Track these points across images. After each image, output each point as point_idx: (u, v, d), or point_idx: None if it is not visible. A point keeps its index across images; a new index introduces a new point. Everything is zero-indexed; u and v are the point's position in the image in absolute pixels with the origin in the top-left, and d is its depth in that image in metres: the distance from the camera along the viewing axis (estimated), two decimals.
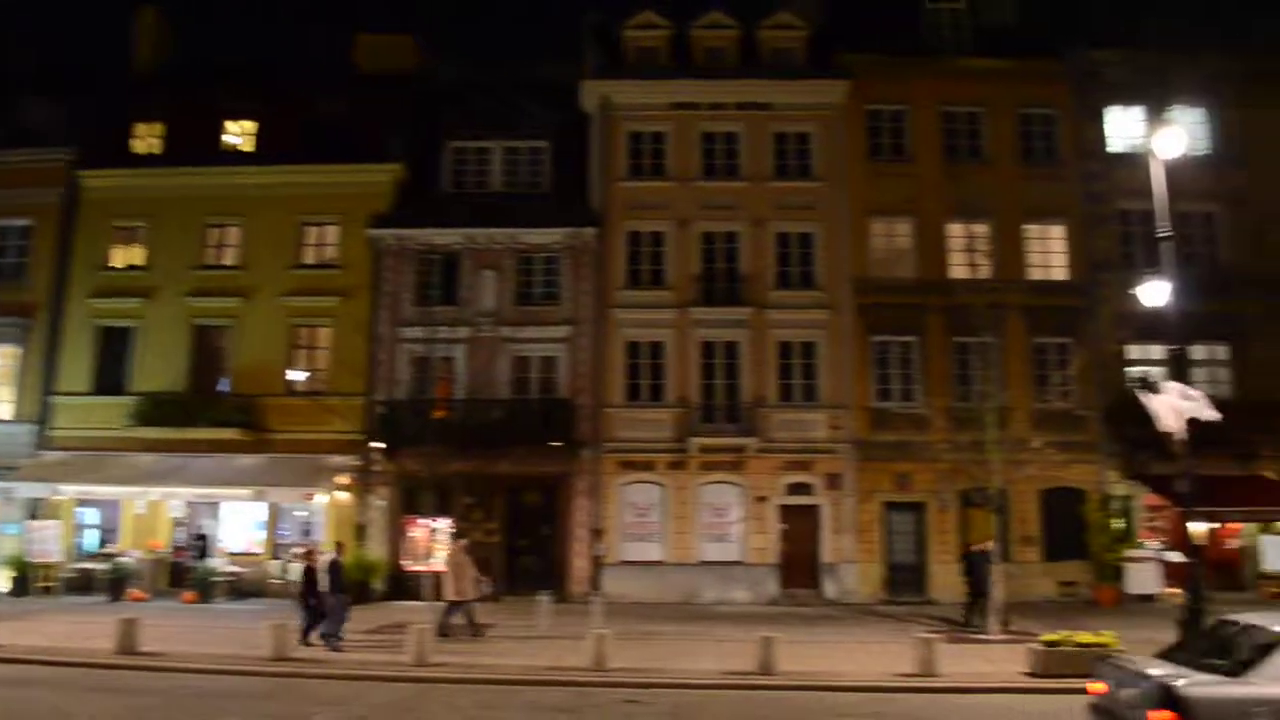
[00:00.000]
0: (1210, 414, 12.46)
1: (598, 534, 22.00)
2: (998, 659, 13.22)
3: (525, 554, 22.24)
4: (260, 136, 24.23)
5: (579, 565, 21.94)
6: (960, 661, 12.76)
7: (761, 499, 22.16)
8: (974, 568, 16.96)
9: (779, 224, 22.88)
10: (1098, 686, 8.03)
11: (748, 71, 23.45)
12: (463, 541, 16.27)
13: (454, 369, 21.94)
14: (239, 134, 24.50)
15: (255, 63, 25.89)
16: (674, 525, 22.04)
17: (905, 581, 22.07)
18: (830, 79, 23.17)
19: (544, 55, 27.47)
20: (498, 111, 23.78)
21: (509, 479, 21.18)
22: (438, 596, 15.88)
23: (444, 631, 14.87)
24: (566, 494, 22.22)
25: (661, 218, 22.91)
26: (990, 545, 17.26)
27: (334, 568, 14.40)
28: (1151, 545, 21.73)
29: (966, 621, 16.57)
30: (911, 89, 23.23)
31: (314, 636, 13.98)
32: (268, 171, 23.29)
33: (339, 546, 15.63)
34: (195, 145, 23.84)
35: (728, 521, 22.31)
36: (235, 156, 24.20)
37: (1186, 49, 22.64)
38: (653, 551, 22.12)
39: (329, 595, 14.08)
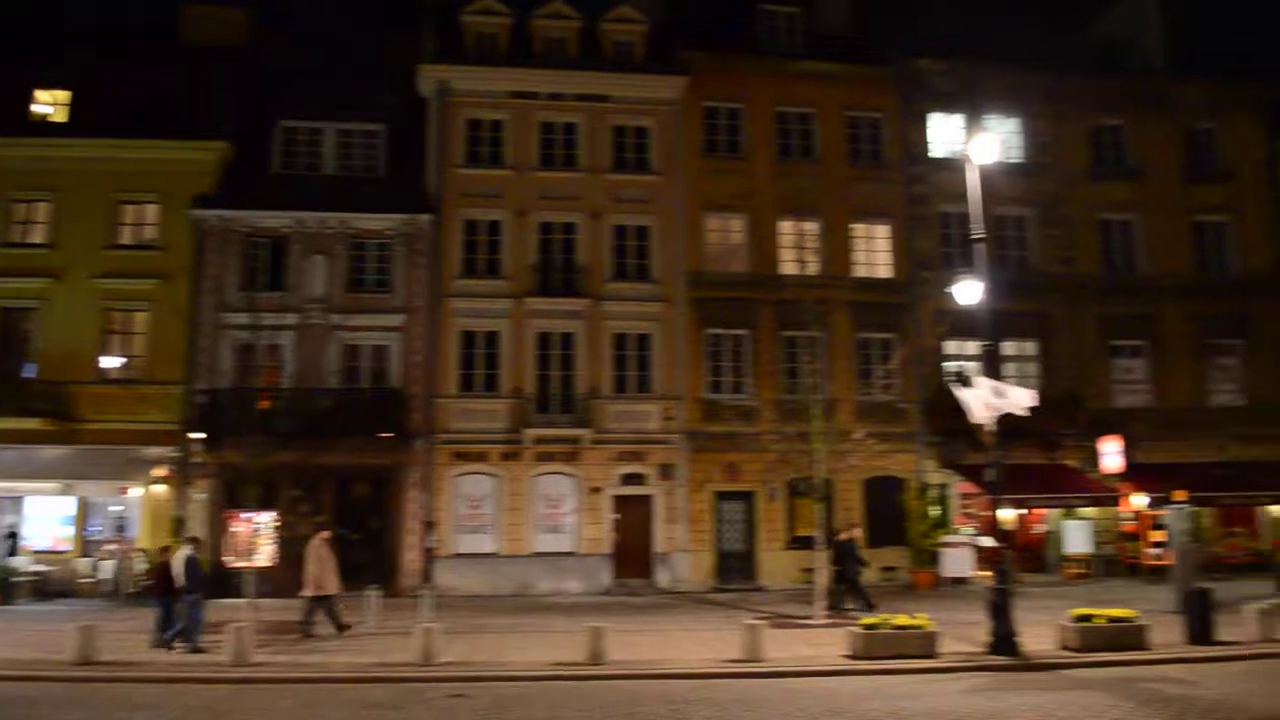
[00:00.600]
0: (1023, 406, 13.85)
1: (430, 526, 22.86)
2: (821, 643, 14.21)
3: (355, 547, 22.77)
4: (74, 107, 24.07)
5: (410, 558, 22.77)
6: (786, 646, 13.74)
7: (595, 490, 23.46)
8: (842, 555, 18.25)
9: (616, 216, 24.25)
10: None
11: (588, 63, 24.76)
12: (325, 533, 16.04)
13: (281, 357, 22.48)
14: (50, 104, 24.23)
15: (70, 28, 25.58)
16: (507, 517, 23.12)
17: (735, 569, 23.75)
18: (669, 75, 24.68)
19: (382, 37, 28.06)
20: (332, 92, 24.40)
21: (338, 471, 21.85)
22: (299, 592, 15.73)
23: (306, 631, 15.06)
24: (398, 486, 23.02)
25: (498, 206, 23.97)
26: (857, 533, 18.82)
27: (191, 564, 14.04)
28: (965, 531, 23.98)
29: (835, 606, 17.51)
30: (747, 88, 24.96)
31: (173, 638, 13.87)
32: (81, 145, 23.22)
33: (195, 542, 14.98)
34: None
35: (562, 512, 23.55)
36: (45, 128, 23.90)
37: (1002, 62, 25.17)
38: (486, 543, 23.16)
39: (185, 593, 13.89)
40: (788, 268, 23.84)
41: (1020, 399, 14.02)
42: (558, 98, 24.70)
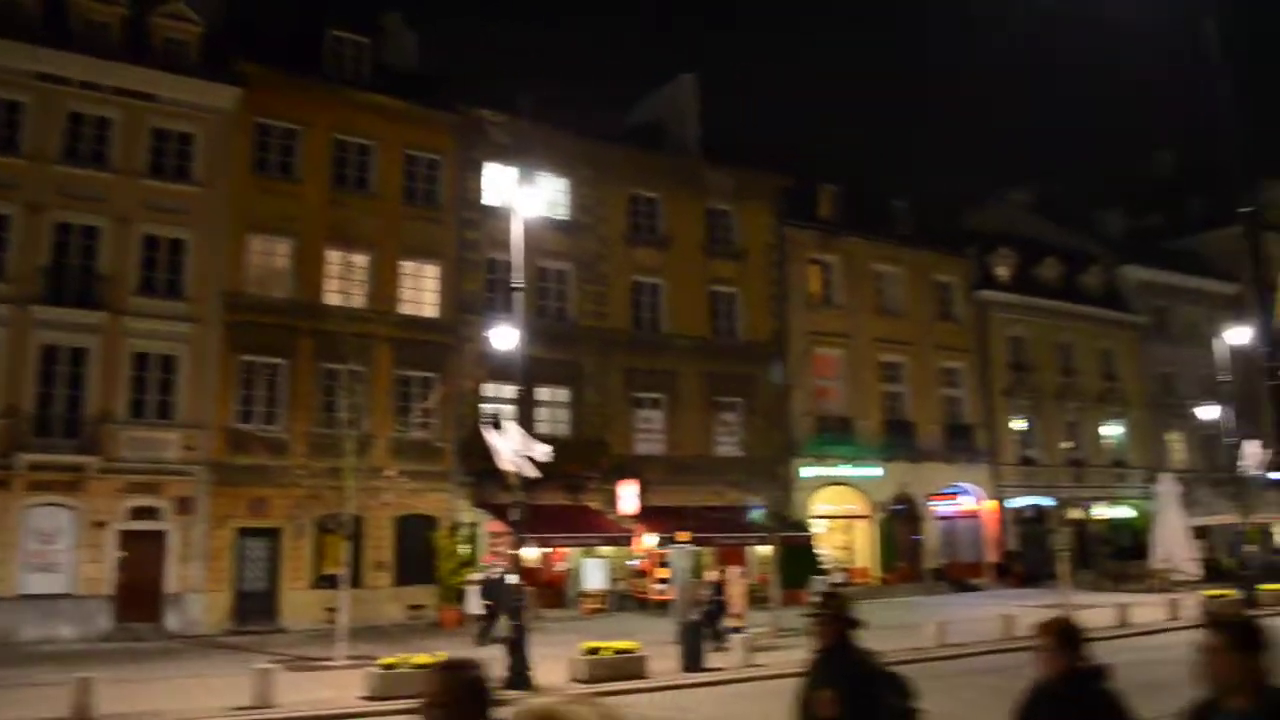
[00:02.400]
0: (539, 458, 18.31)
1: None
2: (338, 684, 16.14)
3: None
4: None
5: None
6: (300, 690, 15.47)
7: (100, 524, 25.15)
8: (492, 591, 21.23)
9: (149, 225, 26.44)
10: None
11: (132, 56, 26.51)
12: None
13: None
14: None
15: None
16: None
17: (255, 610, 26.57)
18: (222, 83, 27.44)
19: None
20: None
21: None
22: None
23: None
24: None
25: (7, 198, 25.03)
26: (508, 570, 21.87)
27: None
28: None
29: (488, 640, 20.33)
30: (307, 111, 28.54)
31: None
32: None
33: None
34: None
35: (56, 549, 24.59)
36: None
37: (557, 125, 31.27)
38: None
39: None
40: (332, 298, 27.35)
41: (539, 452, 18.62)
42: (92, 87, 26.35)
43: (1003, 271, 44.17)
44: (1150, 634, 22.71)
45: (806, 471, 34.91)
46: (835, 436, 36.17)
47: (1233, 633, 3.72)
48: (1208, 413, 40.02)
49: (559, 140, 32.22)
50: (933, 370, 40.77)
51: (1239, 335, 31.07)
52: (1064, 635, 4.35)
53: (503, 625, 22.77)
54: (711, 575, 21.18)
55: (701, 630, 18.99)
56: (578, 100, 32.76)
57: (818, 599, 5.50)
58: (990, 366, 42.26)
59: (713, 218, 35.63)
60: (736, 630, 20.72)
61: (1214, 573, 36.35)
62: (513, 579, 18.70)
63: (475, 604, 27.96)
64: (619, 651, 16.99)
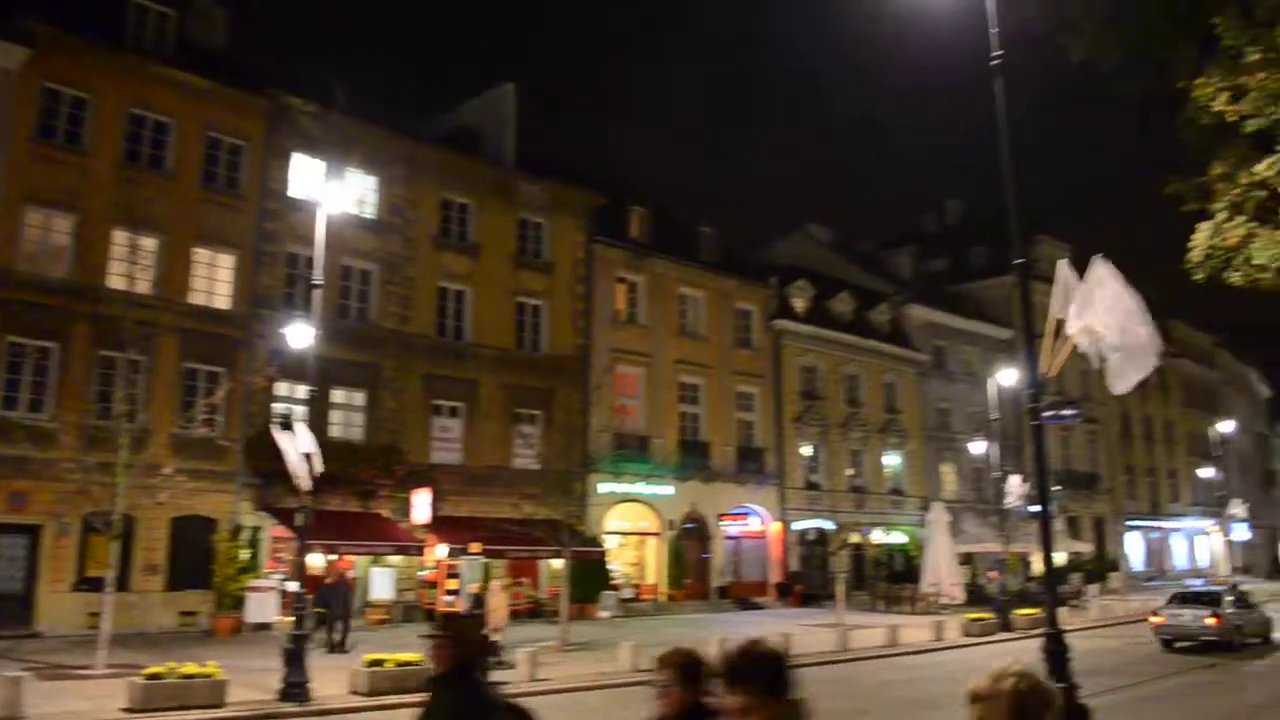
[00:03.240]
0: (316, 466, 17.81)
1: None
2: (97, 694, 15.39)
3: None
4: None
5: None
6: (54, 700, 14.76)
7: None
8: (326, 598, 20.02)
9: None
10: None
11: None
12: None
13: None
14: None
15: None
16: None
17: (8, 613, 24.84)
18: (6, 40, 25.40)
19: None
20: None
21: None
22: None
23: None
24: None
25: None
26: (346, 574, 20.79)
27: None
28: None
29: (332, 647, 19.95)
30: (100, 79, 27.16)
31: None
32: None
33: None
34: None
35: None
36: None
37: (370, 120, 30.66)
38: None
39: None
40: (116, 282, 25.68)
41: (315, 457, 18.21)
42: None
43: (799, 303, 46.31)
44: (917, 654, 24.27)
45: (603, 487, 35.44)
46: (632, 454, 36.90)
47: (680, 669, 3.94)
48: (978, 447, 43.21)
49: (372, 136, 31.67)
50: (729, 394, 42.24)
51: (1009, 377, 33.74)
52: (685, 669, 3.95)
53: (337, 631, 22.39)
54: (472, 588, 20.73)
55: None
56: (395, 97, 32.38)
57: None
58: (783, 393, 44.16)
59: (524, 229, 35.80)
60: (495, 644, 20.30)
61: (976, 597, 39.18)
62: (293, 586, 18.44)
63: (262, 612, 27.07)
64: (402, 664, 16.68)
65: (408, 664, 16.79)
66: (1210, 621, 24.29)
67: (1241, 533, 71.64)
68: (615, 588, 34.33)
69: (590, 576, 32.55)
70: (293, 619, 17.90)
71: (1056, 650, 9.10)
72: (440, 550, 30.25)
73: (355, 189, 31.27)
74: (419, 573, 30.99)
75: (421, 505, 30.35)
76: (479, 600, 20.74)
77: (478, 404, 33.19)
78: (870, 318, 50.15)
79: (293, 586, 22.85)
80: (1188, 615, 25.15)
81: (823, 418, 45.34)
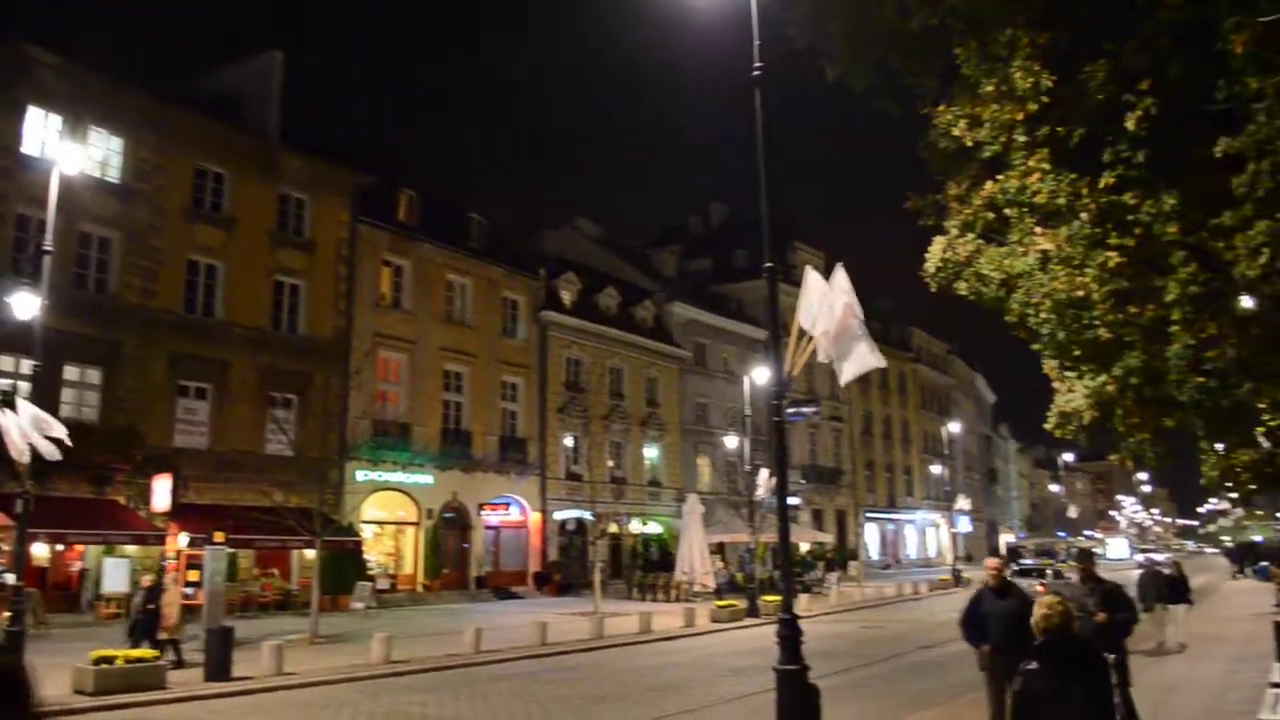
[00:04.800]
0: (51, 448, 16.39)
1: None
2: None
3: None
4: None
5: None
6: None
7: None
8: (154, 597, 18.00)
9: None
10: None
11: None
12: None
13: None
14: None
15: None
16: None
17: None
18: None
19: None
20: None
21: None
22: None
23: None
24: None
25: None
26: (163, 579, 19.15)
27: None
28: (158, 576, 25.48)
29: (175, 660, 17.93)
30: None
31: None
32: None
33: None
34: None
35: None
36: None
37: (119, 78, 28.68)
38: None
39: None
40: None
41: (58, 431, 16.91)
42: None
43: (567, 295, 46.89)
44: (669, 640, 25.12)
45: (361, 475, 34.65)
46: (392, 441, 36.24)
47: None
48: (732, 442, 45.12)
49: (121, 95, 29.56)
50: (494, 383, 42.24)
51: (763, 375, 35.39)
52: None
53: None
54: (145, 580, 19.19)
55: (139, 643, 17.54)
56: (151, 53, 30.36)
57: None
58: (548, 384, 44.59)
59: (285, 204, 34.38)
60: (174, 643, 18.65)
61: (727, 585, 40.96)
62: (10, 578, 16.94)
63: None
64: (132, 660, 15.75)
65: (140, 661, 15.93)
66: (1040, 588, 26.93)
67: (965, 525, 78.23)
68: (371, 578, 33.64)
69: (344, 567, 31.79)
70: (7, 614, 16.52)
71: (790, 634, 9.70)
72: (182, 540, 28.78)
73: (98, 150, 29.19)
74: (160, 563, 29.32)
75: (162, 492, 28.71)
76: (152, 594, 19.01)
77: (228, 386, 31.68)
78: (635, 313, 51.41)
79: (10, 579, 20.50)
80: (1024, 585, 27.79)
81: (586, 409, 46.09)
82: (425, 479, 38.12)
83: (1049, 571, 49.25)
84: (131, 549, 28.55)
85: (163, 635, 18.43)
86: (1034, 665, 5.46)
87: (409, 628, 26.28)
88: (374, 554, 36.55)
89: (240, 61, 36.24)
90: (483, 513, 40.83)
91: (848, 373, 10.16)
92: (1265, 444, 14.81)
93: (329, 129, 37.31)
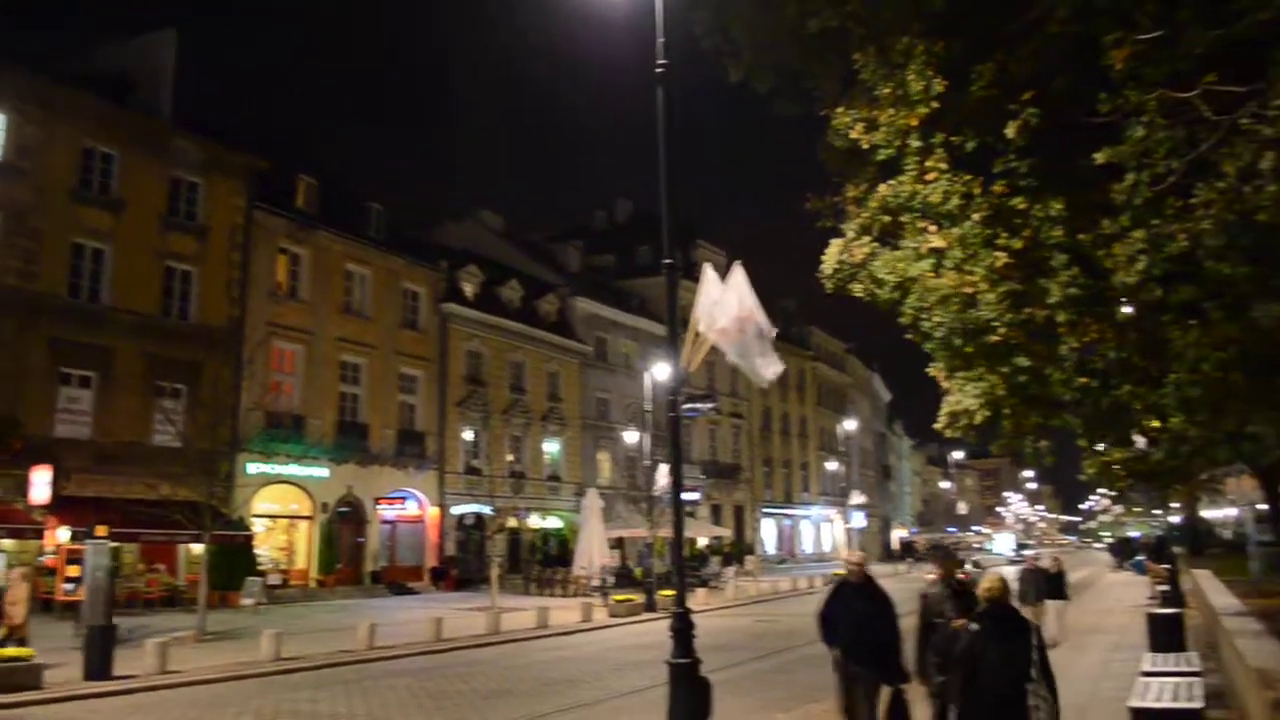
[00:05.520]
0: None
1: None
2: None
3: None
4: None
5: None
6: None
7: None
8: None
9: None
10: None
11: None
12: None
13: None
14: None
15: None
16: None
17: None
18: None
19: None
20: None
21: None
22: None
23: None
24: None
25: None
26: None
27: None
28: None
29: None
30: None
31: None
32: None
33: None
34: None
35: None
36: None
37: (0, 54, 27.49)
38: None
39: None
40: None
41: None
42: None
43: (469, 288, 46.52)
44: (566, 634, 25.19)
45: (252, 468, 33.88)
46: (286, 434, 35.49)
47: None
48: (632, 437, 45.35)
49: (3, 70, 28.32)
50: (393, 375, 41.70)
51: (662, 371, 35.67)
52: None
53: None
54: (15, 575, 18.34)
55: None
56: (37, 28, 29.14)
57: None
58: (448, 377, 44.19)
59: (177, 188, 33.28)
60: (20, 642, 17.53)
61: (625, 580, 41.18)
62: None
63: None
64: (6, 659, 15.23)
65: (13, 660, 15.29)
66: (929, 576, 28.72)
67: (860, 520, 79.94)
68: (262, 574, 32.89)
69: (234, 562, 31.03)
70: None
71: (683, 628, 9.80)
72: (62, 534, 27.73)
73: None
74: (39, 559, 28.24)
75: (41, 484, 27.58)
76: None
77: (113, 374, 30.61)
78: (538, 307, 51.25)
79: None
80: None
81: (486, 403, 45.81)
82: (320, 472, 37.45)
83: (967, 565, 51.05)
84: (8, 543, 27.45)
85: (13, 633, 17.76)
86: (975, 627, 6.92)
87: (301, 624, 25.83)
88: (265, 549, 35.75)
89: (133, 39, 35.07)
90: (379, 507, 40.29)
91: (766, 375, 10.32)
92: (1140, 442, 15.50)
93: (226, 111, 36.51)
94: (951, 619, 8.65)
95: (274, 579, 34.39)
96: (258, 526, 35.12)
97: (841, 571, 9.29)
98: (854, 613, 9.03)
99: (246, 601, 30.71)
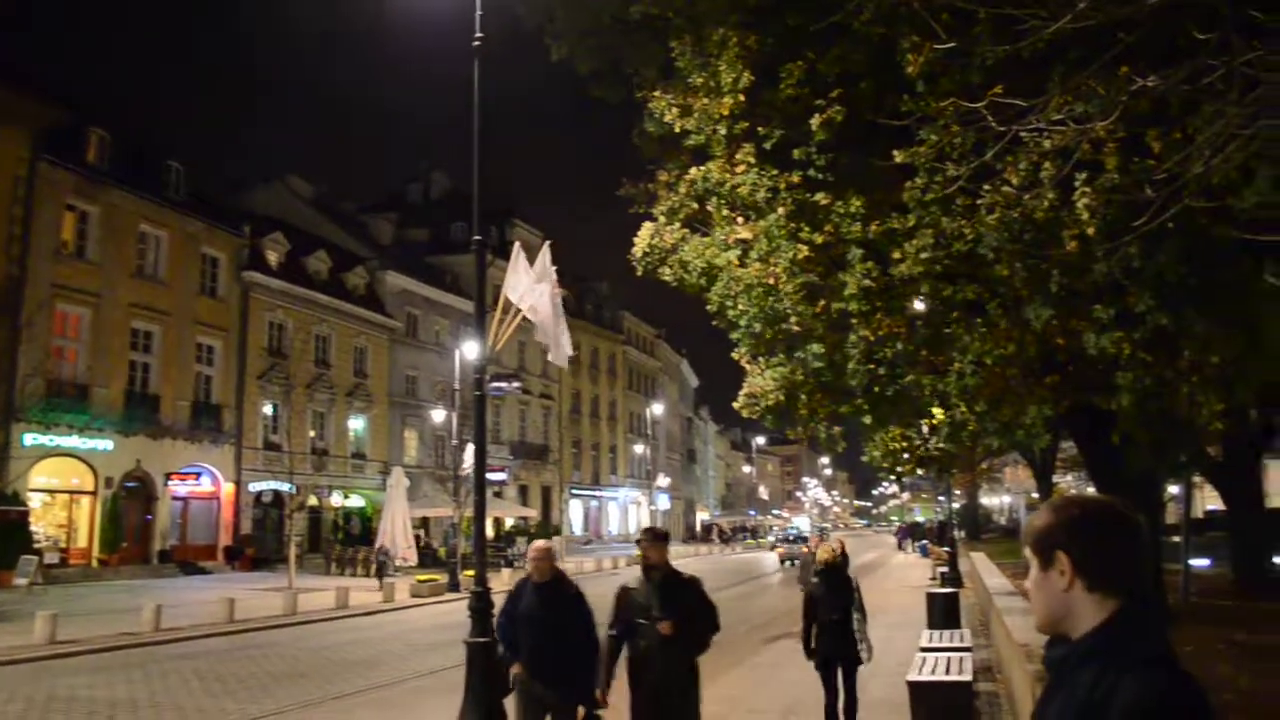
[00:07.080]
0: None
1: None
2: None
3: None
4: None
5: None
6: None
7: None
8: None
9: None
10: None
11: None
12: None
13: None
14: None
15: None
16: None
17: None
18: None
19: None
20: None
21: None
22: None
23: None
24: None
25: None
26: None
27: None
28: None
29: None
30: None
31: None
32: None
33: None
34: None
35: None
36: None
37: None
38: None
39: None
40: None
41: None
42: None
43: (273, 256, 44.91)
44: (368, 615, 24.81)
45: (29, 439, 31.80)
46: (68, 403, 33.46)
47: None
48: (440, 415, 44.95)
49: None
50: (188, 344, 39.83)
51: (472, 350, 35.48)
52: None
53: None
54: None
55: None
56: None
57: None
58: (248, 349, 42.58)
59: None
60: None
61: (429, 559, 40.88)
62: None
63: None
64: None
65: None
66: (804, 549, 33.81)
67: (665, 502, 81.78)
68: (38, 552, 30.94)
69: (7, 539, 29.14)
70: None
71: (481, 607, 9.94)
72: None
73: None
74: None
75: None
76: None
77: None
78: (346, 279, 49.97)
79: None
80: (796, 547, 43.43)
81: (288, 377, 44.25)
82: (105, 444, 35.46)
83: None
84: None
85: None
86: (815, 579, 9.64)
87: (81, 605, 24.49)
88: (42, 525, 33.65)
89: None
90: (170, 482, 38.50)
91: (560, 355, 10.57)
92: (924, 429, 16.62)
93: (13, 54, 33.62)
94: (657, 620, 6.72)
95: (51, 558, 32.39)
96: (34, 502, 33.03)
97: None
98: (536, 619, 7.07)
99: (20, 581, 28.79)
